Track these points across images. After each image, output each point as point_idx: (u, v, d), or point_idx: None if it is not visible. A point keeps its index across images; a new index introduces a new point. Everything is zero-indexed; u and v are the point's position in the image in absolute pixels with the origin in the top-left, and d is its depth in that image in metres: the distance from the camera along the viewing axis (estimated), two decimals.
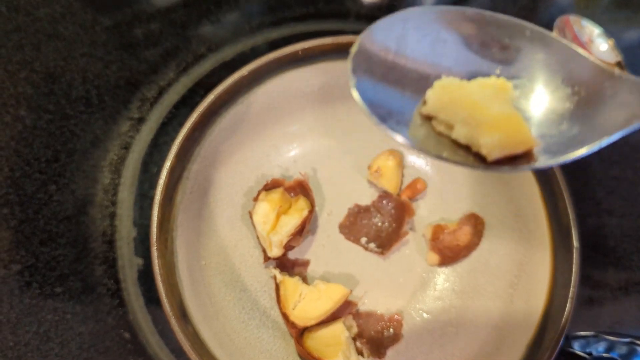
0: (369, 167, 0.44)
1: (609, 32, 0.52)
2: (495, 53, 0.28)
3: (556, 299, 0.37)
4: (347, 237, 0.44)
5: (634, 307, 0.46)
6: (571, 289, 0.36)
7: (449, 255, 0.42)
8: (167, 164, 0.36)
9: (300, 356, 0.40)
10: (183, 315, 0.36)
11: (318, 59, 0.41)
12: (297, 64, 0.41)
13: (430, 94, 0.27)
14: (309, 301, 0.40)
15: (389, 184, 0.44)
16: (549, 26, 0.51)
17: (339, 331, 0.40)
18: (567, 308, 0.36)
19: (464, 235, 0.42)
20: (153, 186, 0.45)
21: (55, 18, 0.49)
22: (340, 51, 0.41)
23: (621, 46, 0.52)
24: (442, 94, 0.27)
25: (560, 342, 0.36)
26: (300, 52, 0.40)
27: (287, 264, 0.43)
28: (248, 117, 0.42)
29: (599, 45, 0.50)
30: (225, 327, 0.39)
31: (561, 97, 0.27)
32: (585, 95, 0.26)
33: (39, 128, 0.46)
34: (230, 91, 0.39)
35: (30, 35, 0.49)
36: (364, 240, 0.44)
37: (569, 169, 0.48)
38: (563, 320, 0.36)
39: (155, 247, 0.35)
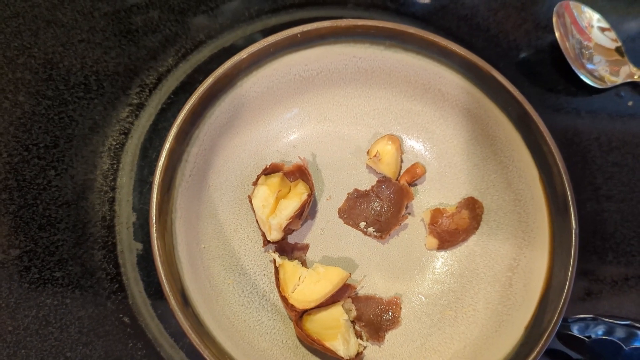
0: (368, 152, 0.44)
1: (609, 21, 0.52)
2: None
3: (554, 281, 0.37)
4: (346, 222, 0.44)
5: (634, 294, 0.46)
6: (570, 270, 0.36)
7: (447, 239, 0.42)
8: (167, 146, 0.36)
9: (299, 339, 0.40)
10: (182, 296, 0.36)
11: (317, 43, 0.41)
12: (295, 48, 0.41)
13: None
14: (308, 284, 0.40)
15: (388, 169, 0.44)
16: (549, 12, 0.51)
17: (338, 314, 0.40)
18: (565, 290, 0.36)
19: (463, 219, 0.42)
20: (152, 172, 0.46)
21: (54, 4, 0.49)
22: (339, 35, 0.41)
23: (621, 35, 0.52)
24: None
25: (559, 324, 0.36)
26: (299, 36, 0.39)
27: (286, 248, 0.43)
28: (247, 101, 0.42)
29: (599, 30, 0.50)
30: (224, 310, 0.39)
31: None
32: None
33: (37, 114, 0.46)
34: (229, 74, 0.39)
35: (29, 21, 0.48)
36: (363, 224, 0.44)
37: (569, 154, 0.49)
38: (561, 302, 0.36)
39: (155, 228, 0.35)
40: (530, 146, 0.40)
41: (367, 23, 0.39)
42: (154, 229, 0.35)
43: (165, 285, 0.35)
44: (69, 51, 0.48)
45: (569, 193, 0.37)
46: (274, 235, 0.40)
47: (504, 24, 0.52)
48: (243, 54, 0.39)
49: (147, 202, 0.45)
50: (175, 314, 0.34)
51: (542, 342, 0.35)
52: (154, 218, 0.35)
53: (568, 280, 0.36)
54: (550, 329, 0.35)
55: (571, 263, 0.36)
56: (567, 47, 0.49)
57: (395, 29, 0.39)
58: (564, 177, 0.38)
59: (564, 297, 0.36)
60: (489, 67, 0.39)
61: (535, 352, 0.35)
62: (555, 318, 0.36)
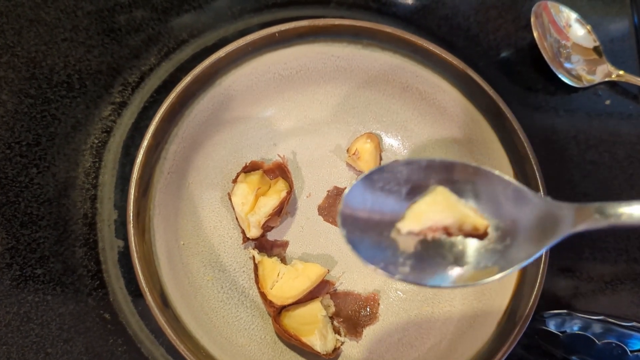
0: (348, 150, 0.45)
1: (587, 20, 0.52)
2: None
3: (527, 277, 0.38)
4: (325, 219, 0.45)
5: (609, 290, 0.47)
6: (541, 266, 0.37)
7: None
8: (145, 143, 0.37)
9: (277, 334, 0.40)
10: (160, 293, 0.36)
11: (295, 42, 0.41)
12: (274, 47, 0.41)
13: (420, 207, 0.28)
14: (287, 280, 0.40)
15: (367, 167, 0.44)
16: (529, 12, 0.52)
17: (316, 310, 0.40)
18: (536, 285, 0.37)
19: None
20: None
21: (37, 3, 0.49)
22: (317, 34, 0.41)
23: (599, 34, 0.52)
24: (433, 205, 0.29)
25: (530, 319, 0.36)
26: (277, 35, 0.40)
27: (266, 245, 0.43)
28: (226, 100, 0.42)
29: (577, 29, 0.51)
30: (203, 306, 0.40)
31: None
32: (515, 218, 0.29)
33: (20, 112, 0.46)
34: (208, 73, 0.40)
35: (12, 20, 0.49)
36: None
37: (547, 152, 0.49)
38: (533, 296, 0.36)
39: (132, 225, 0.36)
40: (505, 143, 0.40)
41: (344, 22, 0.40)
42: (131, 225, 0.36)
43: (142, 281, 0.35)
44: (52, 50, 0.48)
45: (541, 188, 0.38)
46: (253, 232, 0.41)
47: (484, 24, 0.53)
48: (221, 53, 0.39)
49: None
50: (151, 310, 0.35)
51: (513, 336, 0.36)
52: (131, 215, 0.36)
53: (540, 275, 0.37)
54: (521, 323, 0.36)
55: (542, 258, 0.37)
56: (545, 46, 0.50)
57: (371, 28, 0.40)
58: (537, 172, 0.38)
59: (535, 291, 0.37)
60: (464, 66, 0.40)
61: (506, 346, 0.35)
62: (526, 313, 0.36)
